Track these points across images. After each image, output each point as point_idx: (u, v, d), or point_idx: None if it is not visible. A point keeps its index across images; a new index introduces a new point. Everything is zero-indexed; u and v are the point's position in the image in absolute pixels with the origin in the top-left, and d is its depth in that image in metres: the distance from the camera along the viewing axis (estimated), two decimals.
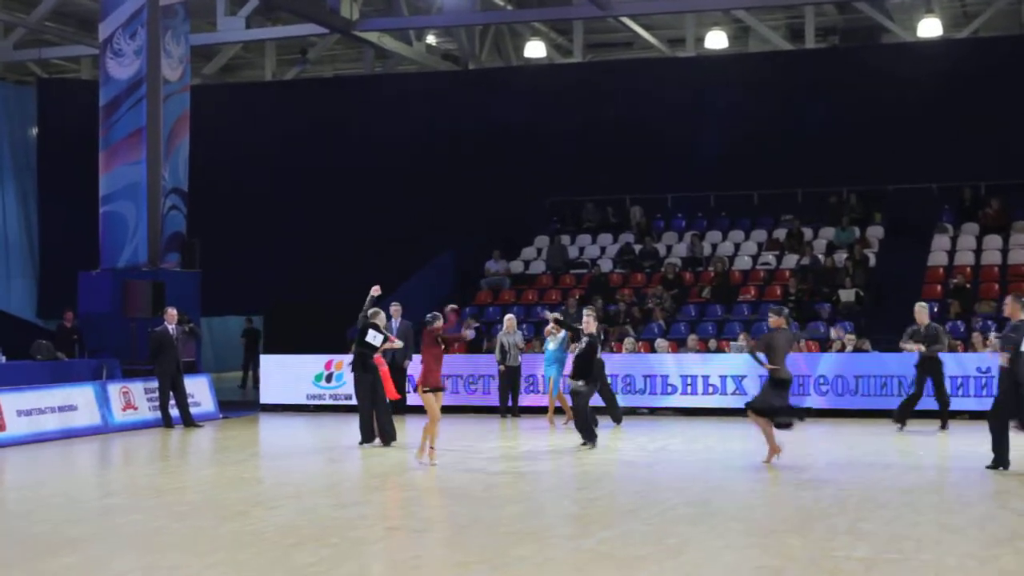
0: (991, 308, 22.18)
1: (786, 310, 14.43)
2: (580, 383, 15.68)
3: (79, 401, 18.62)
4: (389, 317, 21.32)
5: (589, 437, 15.77)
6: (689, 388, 20.47)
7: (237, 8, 26.81)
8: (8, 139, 31.02)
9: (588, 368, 15.74)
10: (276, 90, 31.71)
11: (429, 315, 14.27)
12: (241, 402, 24.58)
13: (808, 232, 25.91)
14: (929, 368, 17.75)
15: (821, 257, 24.65)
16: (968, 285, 23.00)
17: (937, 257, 24.63)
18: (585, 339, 15.74)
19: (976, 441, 16.59)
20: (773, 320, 14.10)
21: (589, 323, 15.91)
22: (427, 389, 13.87)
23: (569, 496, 12.07)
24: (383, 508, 11.51)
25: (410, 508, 11.36)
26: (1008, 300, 13.84)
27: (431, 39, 31.22)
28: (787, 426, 13.96)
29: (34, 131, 31.61)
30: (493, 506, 11.39)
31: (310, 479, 13.76)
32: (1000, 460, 13.40)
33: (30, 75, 32.86)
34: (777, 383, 13.87)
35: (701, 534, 9.82)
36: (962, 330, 21.22)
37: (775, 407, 13.83)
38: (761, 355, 13.93)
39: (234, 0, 27.03)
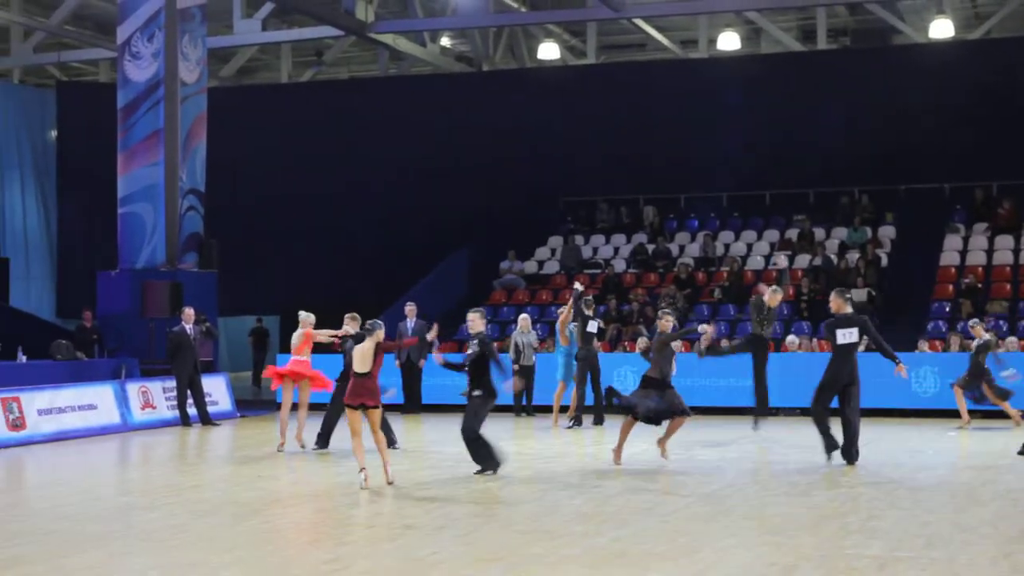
0: (1003, 308, 22.26)
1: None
2: (477, 392, 13.27)
3: (99, 400, 18.79)
4: (404, 317, 21.57)
5: (483, 460, 13.41)
6: (702, 387, 20.50)
7: (253, 11, 26.98)
8: (28, 141, 31.28)
9: (483, 373, 13.33)
10: (292, 92, 31.89)
11: (369, 323, 12.63)
12: (258, 401, 24.70)
13: (820, 232, 25.96)
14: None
15: (833, 257, 24.70)
16: (980, 285, 23.05)
17: (949, 257, 24.67)
18: (474, 342, 13.43)
19: (990, 440, 16.69)
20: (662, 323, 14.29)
21: (475, 322, 13.64)
22: (347, 405, 12.66)
23: (583, 494, 12.07)
24: (399, 506, 11.52)
25: (426, 506, 11.36)
26: (832, 295, 13.99)
27: (445, 41, 31.36)
28: (654, 421, 14.02)
29: (53, 133, 31.87)
30: (508, 504, 11.49)
31: (327, 477, 13.86)
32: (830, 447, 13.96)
33: (49, 78, 33.12)
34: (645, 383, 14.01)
35: (714, 532, 9.88)
36: None
37: (645, 408, 13.82)
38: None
39: (250, 3, 27.20)
